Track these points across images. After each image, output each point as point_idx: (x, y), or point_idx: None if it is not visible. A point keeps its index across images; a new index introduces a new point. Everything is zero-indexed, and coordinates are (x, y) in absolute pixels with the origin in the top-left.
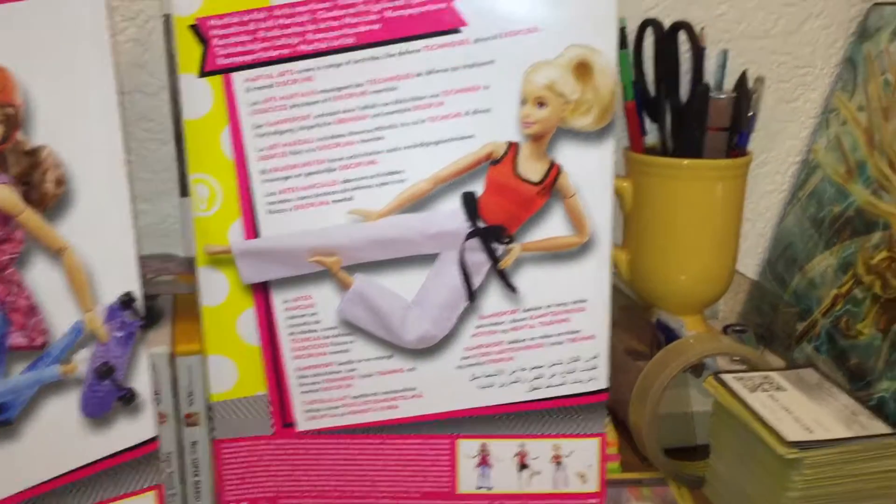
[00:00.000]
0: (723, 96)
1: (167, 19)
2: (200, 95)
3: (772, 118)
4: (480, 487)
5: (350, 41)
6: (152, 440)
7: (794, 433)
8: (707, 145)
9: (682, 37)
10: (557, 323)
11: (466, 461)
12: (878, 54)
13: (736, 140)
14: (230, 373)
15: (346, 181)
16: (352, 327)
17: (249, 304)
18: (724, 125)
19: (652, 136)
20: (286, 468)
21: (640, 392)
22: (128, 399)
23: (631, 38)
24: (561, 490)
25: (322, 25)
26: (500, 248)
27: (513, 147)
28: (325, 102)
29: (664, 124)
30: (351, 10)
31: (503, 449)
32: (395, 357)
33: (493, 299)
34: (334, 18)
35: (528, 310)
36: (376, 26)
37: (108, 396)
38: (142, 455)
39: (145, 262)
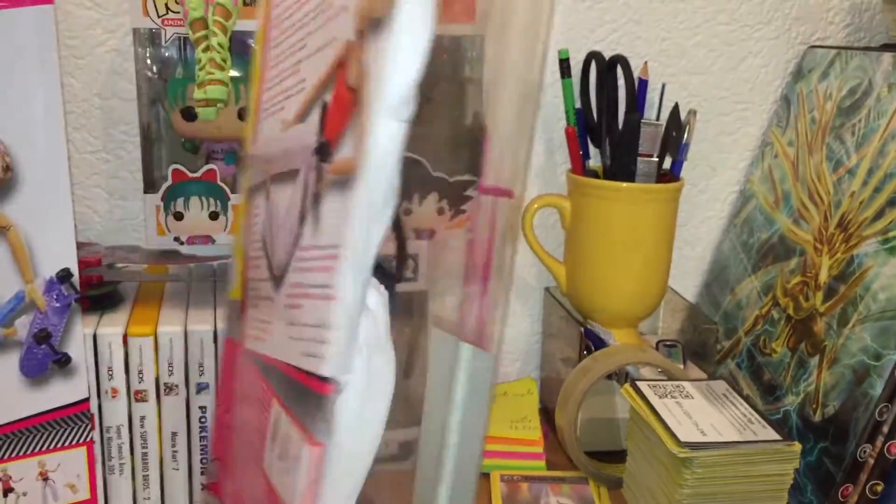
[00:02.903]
0: (652, 125)
1: (136, 32)
2: None
3: (713, 149)
4: None
5: None
6: (84, 401)
7: (688, 435)
8: (639, 170)
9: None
10: None
11: None
12: (808, 93)
13: (671, 167)
14: None
15: None
16: None
17: None
18: (654, 152)
19: (596, 160)
20: None
21: (564, 396)
22: (63, 362)
23: (578, 68)
24: None
25: None
26: None
27: None
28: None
29: (605, 149)
30: None
31: None
32: None
33: None
34: None
35: None
36: None
37: (44, 359)
38: (74, 413)
39: (112, 251)
